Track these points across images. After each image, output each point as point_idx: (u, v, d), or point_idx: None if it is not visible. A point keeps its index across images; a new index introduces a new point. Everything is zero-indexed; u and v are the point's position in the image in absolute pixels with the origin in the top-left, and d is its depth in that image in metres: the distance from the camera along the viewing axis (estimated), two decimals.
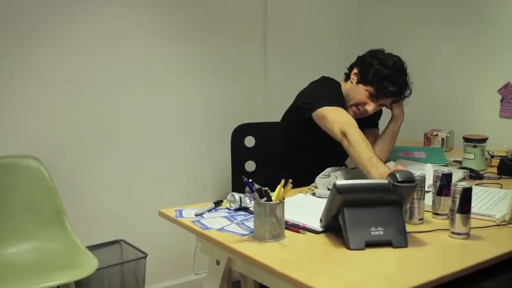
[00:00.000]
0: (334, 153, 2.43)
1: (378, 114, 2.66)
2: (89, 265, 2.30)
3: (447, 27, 3.29)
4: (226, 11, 3.24)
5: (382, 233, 1.66)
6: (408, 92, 2.46)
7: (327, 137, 2.32)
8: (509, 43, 2.97)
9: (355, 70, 2.50)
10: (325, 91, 2.50)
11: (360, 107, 2.44)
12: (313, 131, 2.38)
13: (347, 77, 2.55)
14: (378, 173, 2.00)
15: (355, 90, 2.45)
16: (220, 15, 3.22)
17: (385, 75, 2.38)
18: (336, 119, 2.28)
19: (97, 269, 2.30)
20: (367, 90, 2.41)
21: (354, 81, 2.48)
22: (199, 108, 3.21)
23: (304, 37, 3.58)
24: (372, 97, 2.41)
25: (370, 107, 2.43)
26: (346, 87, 2.53)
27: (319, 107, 2.35)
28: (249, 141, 2.87)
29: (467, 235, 1.73)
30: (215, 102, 3.25)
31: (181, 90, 3.14)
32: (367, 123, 2.58)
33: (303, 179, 2.22)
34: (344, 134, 2.20)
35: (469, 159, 2.64)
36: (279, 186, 1.74)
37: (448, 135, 3.05)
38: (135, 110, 2.98)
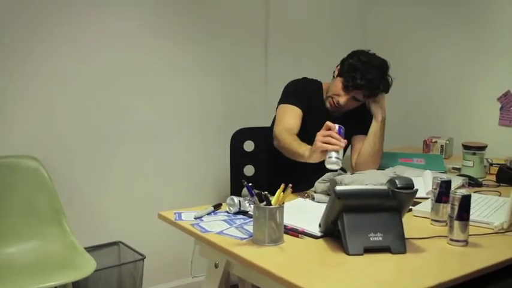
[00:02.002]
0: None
1: (369, 121, 2.68)
2: (86, 266, 2.30)
3: (448, 34, 3.30)
4: (227, 13, 3.24)
5: (381, 238, 1.66)
6: (381, 88, 2.54)
7: (307, 133, 2.39)
8: (509, 52, 2.97)
9: (338, 67, 2.61)
10: (289, 88, 2.63)
11: (334, 99, 2.55)
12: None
13: (334, 76, 2.64)
14: (303, 149, 2.23)
15: (333, 83, 2.58)
16: (221, 18, 3.22)
17: (355, 67, 2.48)
18: (279, 120, 2.50)
19: (95, 270, 2.30)
20: (341, 82, 2.52)
21: (336, 76, 2.59)
22: (199, 111, 3.21)
23: (305, 40, 3.58)
24: (344, 89, 2.51)
25: (342, 99, 2.52)
26: (328, 83, 2.64)
27: (279, 104, 2.57)
28: (248, 146, 2.87)
29: (466, 242, 1.74)
30: (215, 106, 3.26)
31: (181, 93, 3.14)
32: (358, 131, 2.63)
33: (301, 183, 2.22)
34: (275, 137, 2.43)
35: (468, 166, 2.64)
36: (278, 191, 1.74)
37: (447, 142, 3.06)
38: (134, 112, 2.98)
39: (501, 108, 3.04)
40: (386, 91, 2.58)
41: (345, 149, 2.67)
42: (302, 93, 2.58)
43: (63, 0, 2.71)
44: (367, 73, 2.47)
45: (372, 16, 3.77)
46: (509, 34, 2.98)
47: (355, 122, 2.60)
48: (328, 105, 2.58)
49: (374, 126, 2.59)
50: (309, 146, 2.23)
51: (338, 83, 2.53)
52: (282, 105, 2.55)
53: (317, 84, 2.67)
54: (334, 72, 2.62)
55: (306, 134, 2.39)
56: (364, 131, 2.62)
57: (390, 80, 2.56)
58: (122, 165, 2.97)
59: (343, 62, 2.58)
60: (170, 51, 3.07)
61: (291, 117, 2.49)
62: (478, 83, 3.16)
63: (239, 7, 3.29)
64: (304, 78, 2.68)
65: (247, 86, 3.38)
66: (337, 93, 2.53)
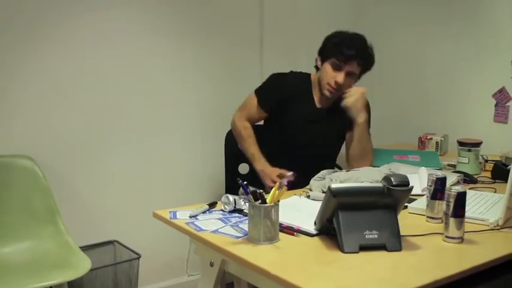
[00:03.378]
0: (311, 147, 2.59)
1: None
2: (82, 265, 2.30)
3: (443, 31, 3.30)
4: (222, 12, 3.23)
5: (376, 236, 1.66)
6: (373, 56, 2.53)
7: (290, 121, 2.55)
8: (504, 48, 2.97)
9: (318, 58, 2.60)
10: (267, 81, 2.66)
11: (330, 83, 2.49)
12: (275, 121, 2.64)
13: (317, 69, 2.63)
14: (261, 167, 2.51)
15: (323, 71, 2.54)
16: (217, 17, 3.21)
17: (339, 41, 2.48)
18: (243, 106, 2.67)
19: (90, 270, 2.30)
20: (330, 65, 2.49)
21: (320, 66, 2.57)
22: (194, 110, 3.20)
23: (300, 38, 3.58)
24: (336, 68, 2.47)
25: (339, 78, 2.47)
26: (316, 76, 2.61)
27: (255, 90, 2.66)
28: None
29: (461, 239, 1.74)
30: (210, 104, 3.25)
31: (177, 92, 3.13)
32: (351, 126, 2.60)
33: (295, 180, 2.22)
34: (234, 122, 2.66)
35: (463, 163, 2.64)
36: (273, 189, 1.74)
37: (443, 139, 3.06)
38: (130, 110, 2.97)
39: (496, 105, 3.04)
40: (373, 62, 2.55)
41: (339, 146, 2.67)
42: (278, 87, 2.60)
43: (62, 2, 2.70)
44: (352, 43, 2.46)
45: (367, 13, 3.76)
46: (503, 31, 2.98)
47: (347, 117, 2.59)
48: (327, 93, 2.51)
49: (357, 131, 2.55)
50: (264, 162, 2.53)
51: (327, 68, 2.50)
52: (253, 95, 2.64)
53: (303, 75, 2.66)
54: (316, 66, 2.62)
55: (289, 122, 2.55)
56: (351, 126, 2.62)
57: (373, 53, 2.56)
58: (117, 164, 2.96)
59: (321, 50, 2.57)
60: (166, 51, 3.06)
61: (249, 105, 2.63)
62: (473, 80, 3.16)
63: (234, 6, 3.28)
64: (290, 72, 2.69)
65: (242, 84, 3.35)
66: (331, 75, 2.48)
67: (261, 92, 2.63)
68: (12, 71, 2.62)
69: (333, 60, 2.47)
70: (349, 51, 2.44)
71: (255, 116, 2.64)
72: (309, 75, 2.66)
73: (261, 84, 2.67)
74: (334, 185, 1.64)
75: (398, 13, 3.57)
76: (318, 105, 2.60)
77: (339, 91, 2.50)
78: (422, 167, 2.45)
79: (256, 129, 2.67)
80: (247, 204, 1.79)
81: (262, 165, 2.52)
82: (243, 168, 2.86)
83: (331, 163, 2.66)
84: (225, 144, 2.83)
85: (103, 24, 2.84)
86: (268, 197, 1.72)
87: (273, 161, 2.54)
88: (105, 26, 2.84)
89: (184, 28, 3.10)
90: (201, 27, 3.16)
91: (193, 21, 3.13)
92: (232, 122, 2.68)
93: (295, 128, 2.57)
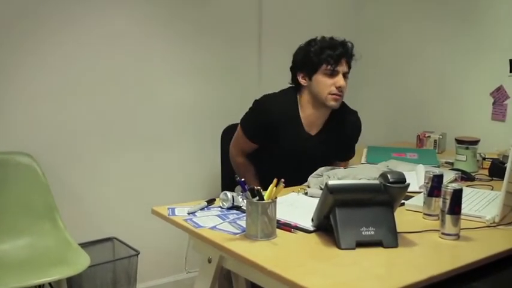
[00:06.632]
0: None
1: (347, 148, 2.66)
2: (80, 262, 2.30)
3: (441, 29, 3.31)
4: (220, 10, 3.24)
5: (373, 233, 1.67)
6: (353, 55, 2.44)
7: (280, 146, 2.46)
8: (502, 47, 2.98)
9: (300, 76, 2.46)
10: (250, 109, 2.54)
11: (333, 91, 2.38)
12: (264, 148, 2.55)
13: (298, 88, 2.50)
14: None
15: (316, 86, 2.41)
16: (215, 15, 3.22)
17: (320, 48, 2.38)
18: (233, 141, 2.61)
19: (89, 266, 2.30)
20: (323, 74, 2.38)
21: (308, 81, 2.44)
22: (192, 108, 3.20)
23: (299, 37, 3.57)
24: (330, 73, 2.37)
25: (340, 81, 2.37)
26: (305, 96, 2.48)
27: (241, 121, 2.56)
28: None
29: (457, 236, 1.74)
30: (208, 103, 3.25)
31: (175, 90, 3.13)
32: (337, 156, 2.60)
33: (292, 177, 2.20)
34: (230, 158, 2.64)
35: (460, 160, 2.65)
36: (271, 186, 1.74)
37: (441, 137, 3.07)
38: (128, 109, 2.98)
39: (494, 103, 3.05)
40: (353, 56, 2.46)
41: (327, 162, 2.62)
42: (263, 117, 2.47)
43: (62, 2, 2.71)
44: (332, 43, 2.40)
45: (365, 11, 3.76)
46: (501, 29, 2.99)
47: (334, 147, 2.57)
48: (333, 103, 2.40)
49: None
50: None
51: (320, 79, 2.39)
52: (240, 130, 2.55)
53: (290, 98, 2.50)
54: (298, 86, 2.48)
55: (279, 151, 2.46)
56: (340, 158, 2.62)
57: None
58: (115, 161, 2.97)
59: (302, 64, 2.44)
60: (163, 50, 3.06)
61: (243, 146, 2.56)
62: (471, 78, 3.17)
63: (232, 4, 3.28)
64: (275, 96, 2.53)
65: (240, 83, 3.37)
66: (329, 84, 2.37)
67: (246, 125, 2.52)
68: (12, 69, 2.63)
69: (324, 68, 2.37)
70: (335, 51, 2.36)
71: (248, 148, 2.56)
72: (295, 97, 2.50)
73: (244, 115, 2.55)
74: (331, 182, 1.65)
75: (396, 12, 3.57)
76: (307, 130, 2.49)
77: (342, 96, 2.42)
78: (420, 165, 2.46)
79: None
80: (245, 201, 1.79)
81: None
82: None
83: None
84: (221, 142, 2.84)
85: (102, 26, 2.84)
86: (266, 194, 1.73)
87: (274, 159, 2.53)
88: (104, 27, 2.85)
89: (181, 27, 3.10)
90: (198, 25, 3.16)
91: (191, 20, 3.13)
92: (230, 155, 2.65)
93: (286, 156, 2.48)
